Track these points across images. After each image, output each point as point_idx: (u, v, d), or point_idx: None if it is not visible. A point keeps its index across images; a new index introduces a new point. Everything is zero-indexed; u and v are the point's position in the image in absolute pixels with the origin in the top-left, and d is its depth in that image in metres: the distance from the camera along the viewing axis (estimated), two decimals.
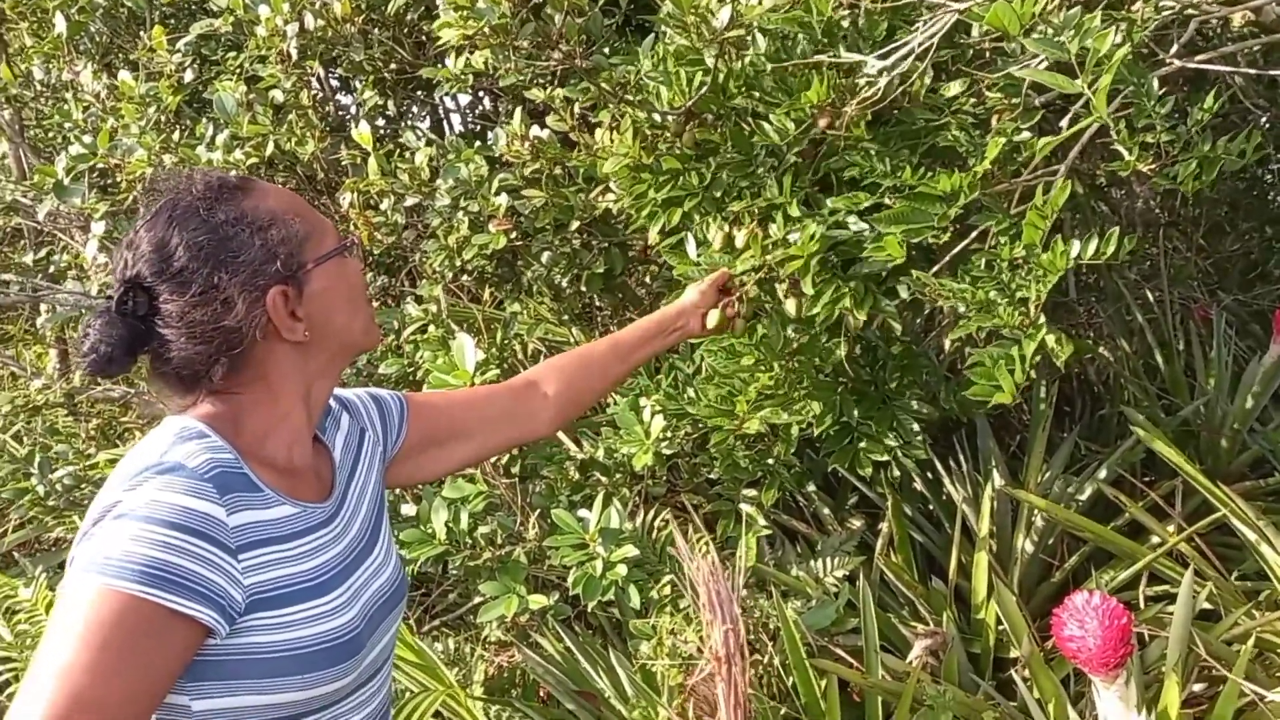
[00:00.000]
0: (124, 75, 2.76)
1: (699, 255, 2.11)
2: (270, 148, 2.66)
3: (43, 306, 3.28)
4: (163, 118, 2.78)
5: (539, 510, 2.40)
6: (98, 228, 2.76)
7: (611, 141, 2.24)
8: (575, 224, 2.48)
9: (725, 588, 1.08)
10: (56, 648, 0.96)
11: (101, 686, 0.95)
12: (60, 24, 2.95)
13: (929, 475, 2.72)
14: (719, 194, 2.11)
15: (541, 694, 2.51)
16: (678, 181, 2.13)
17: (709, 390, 2.18)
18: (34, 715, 0.93)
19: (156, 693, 1.00)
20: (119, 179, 2.77)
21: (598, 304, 3.12)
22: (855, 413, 2.21)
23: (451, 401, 1.51)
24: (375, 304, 3.10)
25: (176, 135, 2.75)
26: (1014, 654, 2.12)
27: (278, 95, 2.69)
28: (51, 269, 3.26)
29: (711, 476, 2.42)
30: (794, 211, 1.96)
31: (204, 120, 2.75)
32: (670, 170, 2.14)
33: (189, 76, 2.82)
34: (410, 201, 2.59)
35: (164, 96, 2.72)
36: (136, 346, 1.12)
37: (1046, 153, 1.80)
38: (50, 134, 3.39)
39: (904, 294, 2.03)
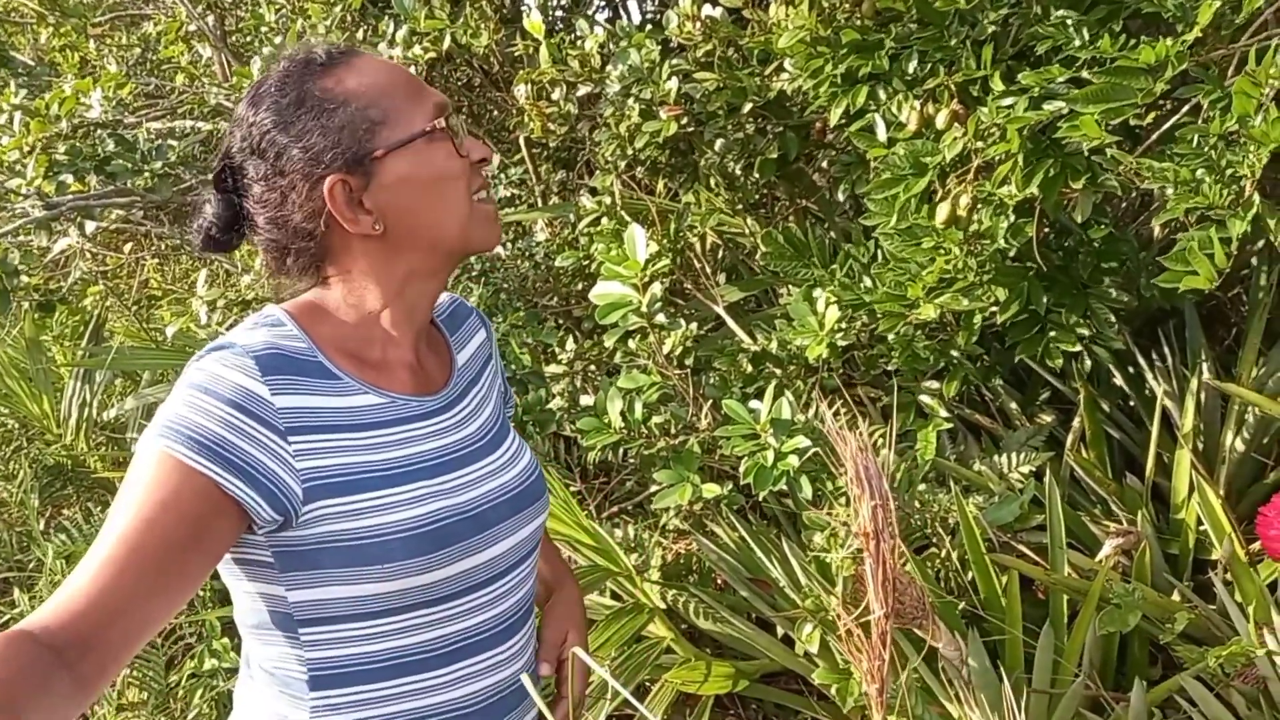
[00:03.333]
0: None
1: (891, 136, 2.01)
2: (447, 41, 2.69)
3: None
4: (347, 16, 2.85)
5: (711, 401, 2.39)
6: None
7: (786, 15, 2.14)
8: (748, 106, 2.41)
9: (874, 464, 1.05)
10: (117, 500, 0.98)
11: (141, 534, 0.94)
12: None
13: (1129, 370, 2.56)
14: (910, 68, 1.99)
15: (717, 581, 2.55)
16: (860, 55, 2.02)
17: (885, 276, 2.10)
18: (86, 561, 0.94)
19: (179, 558, 0.95)
20: None
21: (774, 193, 3.04)
22: (1044, 300, 2.08)
23: None
24: (553, 198, 3.13)
25: (360, 34, 2.82)
26: (1215, 556, 1.99)
27: None
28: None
29: (890, 368, 2.35)
30: (998, 85, 1.82)
31: (385, 17, 2.80)
32: (850, 42, 2.03)
33: None
34: (582, 91, 2.57)
35: None
36: (233, 224, 1.11)
37: (1268, 10, 1.61)
38: (248, 38, 3.54)
39: (1109, 184, 1.87)
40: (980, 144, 1.91)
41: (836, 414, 2.13)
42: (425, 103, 1.10)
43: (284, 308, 1.12)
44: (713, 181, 2.75)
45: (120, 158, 2.72)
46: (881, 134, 2.07)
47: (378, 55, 1.14)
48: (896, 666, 1.22)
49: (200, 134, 3.39)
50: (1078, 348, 2.04)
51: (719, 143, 2.53)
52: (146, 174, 2.77)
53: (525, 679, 1.14)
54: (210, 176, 1.12)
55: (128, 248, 4.37)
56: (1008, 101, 1.85)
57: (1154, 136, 1.97)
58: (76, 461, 3.36)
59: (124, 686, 2.30)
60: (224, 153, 1.11)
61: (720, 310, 2.62)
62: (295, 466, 1.02)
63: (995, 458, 2.21)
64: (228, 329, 3.23)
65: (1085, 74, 1.82)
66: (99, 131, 2.92)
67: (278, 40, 2.78)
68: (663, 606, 2.31)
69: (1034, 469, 2.18)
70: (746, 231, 2.90)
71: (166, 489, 0.96)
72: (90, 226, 2.73)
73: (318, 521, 1.04)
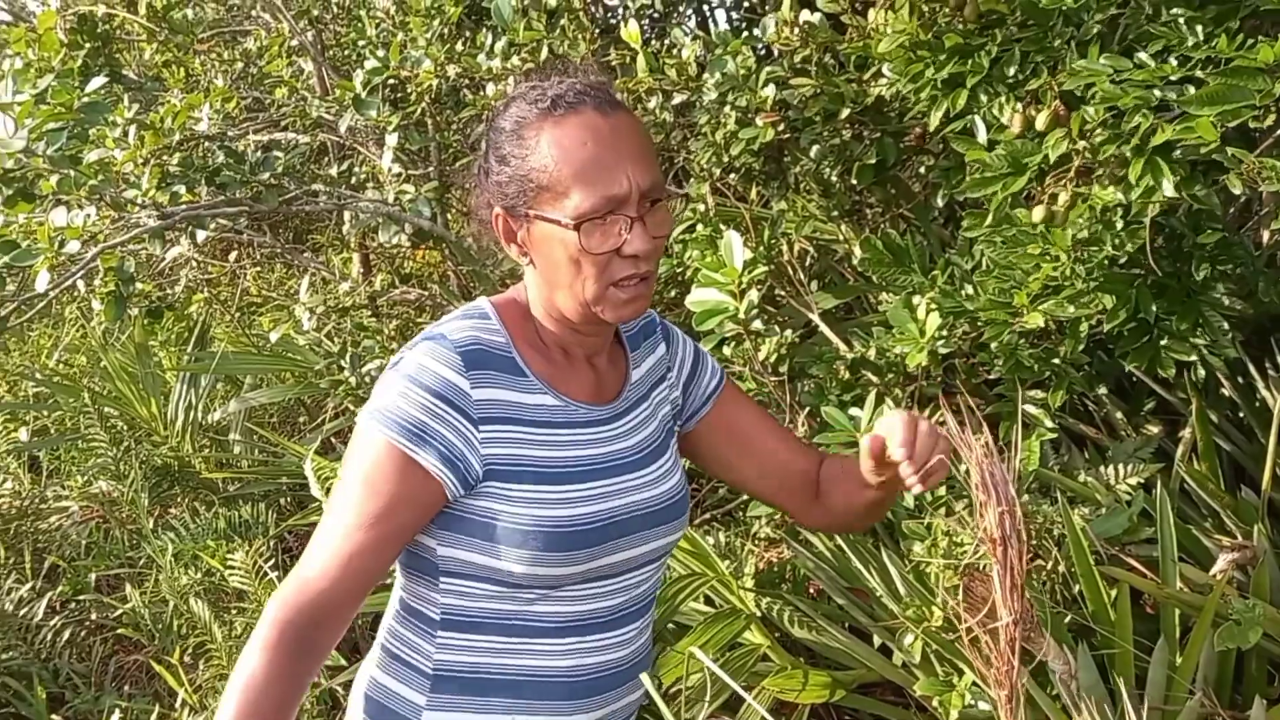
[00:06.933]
0: None
1: (991, 139, 1.98)
2: (544, 52, 2.72)
3: (346, 215, 3.56)
4: (446, 30, 2.91)
5: (808, 409, 2.38)
6: (391, 140, 2.94)
7: (885, 20, 2.13)
8: (845, 113, 2.40)
9: (1000, 469, 1.04)
10: (340, 482, 1.18)
11: (364, 508, 1.14)
12: None
13: (1239, 380, 2.48)
14: (1011, 70, 1.96)
15: (811, 590, 2.53)
16: (960, 59, 1.99)
17: (988, 284, 2.07)
18: (326, 539, 1.15)
19: (398, 527, 1.15)
20: (409, 91, 2.93)
21: (868, 200, 3.02)
22: (1154, 308, 2.03)
23: (758, 427, 1.42)
24: None
25: (459, 46, 2.87)
26: None
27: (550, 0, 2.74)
28: (353, 180, 3.52)
29: (991, 377, 2.31)
30: (1105, 89, 1.79)
31: (483, 29, 2.85)
32: (952, 47, 2.01)
33: None
34: (678, 99, 2.59)
35: (446, 8, 2.84)
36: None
37: None
38: (346, 52, 3.63)
39: (1233, 184, 1.82)
40: (1082, 144, 1.87)
41: (942, 423, 2.11)
42: (595, 191, 1.14)
43: (492, 300, 1.25)
44: (803, 188, 2.74)
45: (230, 169, 2.81)
46: (982, 136, 2.05)
47: (612, 117, 1.17)
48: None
49: (301, 147, 3.49)
50: (1192, 357, 1.98)
51: (814, 149, 2.52)
52: (253, 184, 2.85)
53: (645, 678, 1.19)
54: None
55: (232, 256, 4.51)
56: (1099, 64, 1.79)
57: (1269, 140, 1.92)
58: (183, 463, 3.47)
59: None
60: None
61: (815, 317, 2.60)
62: (481, 452, 1.16)
63: (1102, 469, 2.16)
64: (327, 335, 3.33)
65: (1199, 73, 1.77)
66: (208, 144, 3.02)
67: (380, 53, 2.84)
68: (758, 614, 2.30)
69: (1142, 481, 2.12)
70: (841, 238, 2.88)
71: (395, 482, 1.14)
72: (201, 235, 2.82)
73: (479, 496, 1.17)
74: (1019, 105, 1.95)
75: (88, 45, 3.49)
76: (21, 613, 2.88)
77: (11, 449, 3.80)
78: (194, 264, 4.19)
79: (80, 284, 2.80)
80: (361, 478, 1.15)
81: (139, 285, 3.00)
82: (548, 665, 1.22)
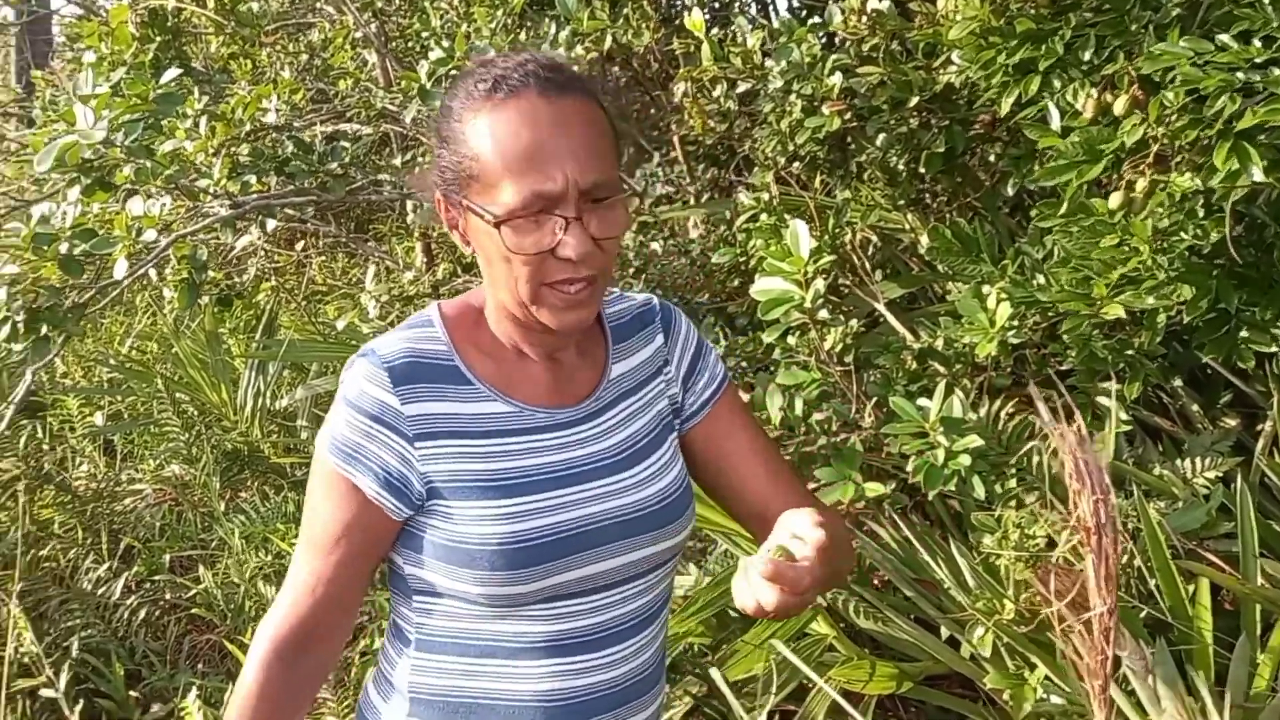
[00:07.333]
0: None
1: (1065, 125, 1.95)
2: (608, 41, 2.72)
3: (409, 204, 3.60)
4: (509, 20, 2.92)
5: (874, 399, 2.36)
6: None
7: (955, 7, 2.10)
8: (914, 101, 2.37)
9: (1093, 457, 1.02)
10: (305, 505, 1.17)
11: (319, 534, 1.13)
12: None
13: None
14: (1087, 55, 1.92)
15: (876, 581, 2.51)
16: (1033, 45, 1.96)
17: (1062, 275, 2.04)
18: (299, 567, 1.15)
19: (358, 548, 1.13)
20: None
21: (932, 189, 2.99)
22: (1234, 298, 1.98)
23: (747, 452, 1.27)
24: (705, 195, 3.13)
25: (523, 36, 2.88)
26: None
27: None
28: (416, 170, 3.55)
29: (1063, 368, 2.27)
30: (1186, 71, 1.74)
31: (547, 19, 2.86)
32: (1024, 32, 1.98)
33: None
34: (742, 88, 2.58)
35: None
36: None
37: None
38: (410, 43, 3.66)
39: None
40: (1160, 130, 1.83)
41: (1011, 415, 2.08)
42: (525, 186, 1.03)
43: (441, 305, 1.18)
44: (867, 176, 2.72)
45: (298, 159, 2.85)
46: (1055, 123, 2.01)
47: (558, 103, 1.05)
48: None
49: (366, 138, 3.54)
50: (1274, 348, 1.94)
51: (881, 138, 2.50)
52: (321, 174, 2.89)
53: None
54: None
55: (298, 246, 4.58)
56: (1179, 46, 1.75)
57: None
58: (252, 448, 3.54)
59: None
60: None
61: (880, 307, 2.58)
62: (419, 470, 1.10)
63: (1178, 462, 2.12)
64: (390, 324, 3.37)
65: None
66: (276, 134, 3.07)
67: (445, 44, 2.86)
68: (824, 604, 2.29)
69: (1220, 475, 2.08)
70: (906, 227, 2.85)
71: (342, 508, 1.12)
72: (270, 224, 2.87)
73: (427, 514, 1.12)
74: (1093, 91, 1.92)
75: (158, 39, 3.57)
76: (100, 592, 2.97)
77: (87, 433, 3.90)
78: (262, 253, 4.27)
79: (152, 272, 2.85)
80: (316, 503, 1.13)
81: (211, 273, 3.06)
82: (522, 689, 1.14)
